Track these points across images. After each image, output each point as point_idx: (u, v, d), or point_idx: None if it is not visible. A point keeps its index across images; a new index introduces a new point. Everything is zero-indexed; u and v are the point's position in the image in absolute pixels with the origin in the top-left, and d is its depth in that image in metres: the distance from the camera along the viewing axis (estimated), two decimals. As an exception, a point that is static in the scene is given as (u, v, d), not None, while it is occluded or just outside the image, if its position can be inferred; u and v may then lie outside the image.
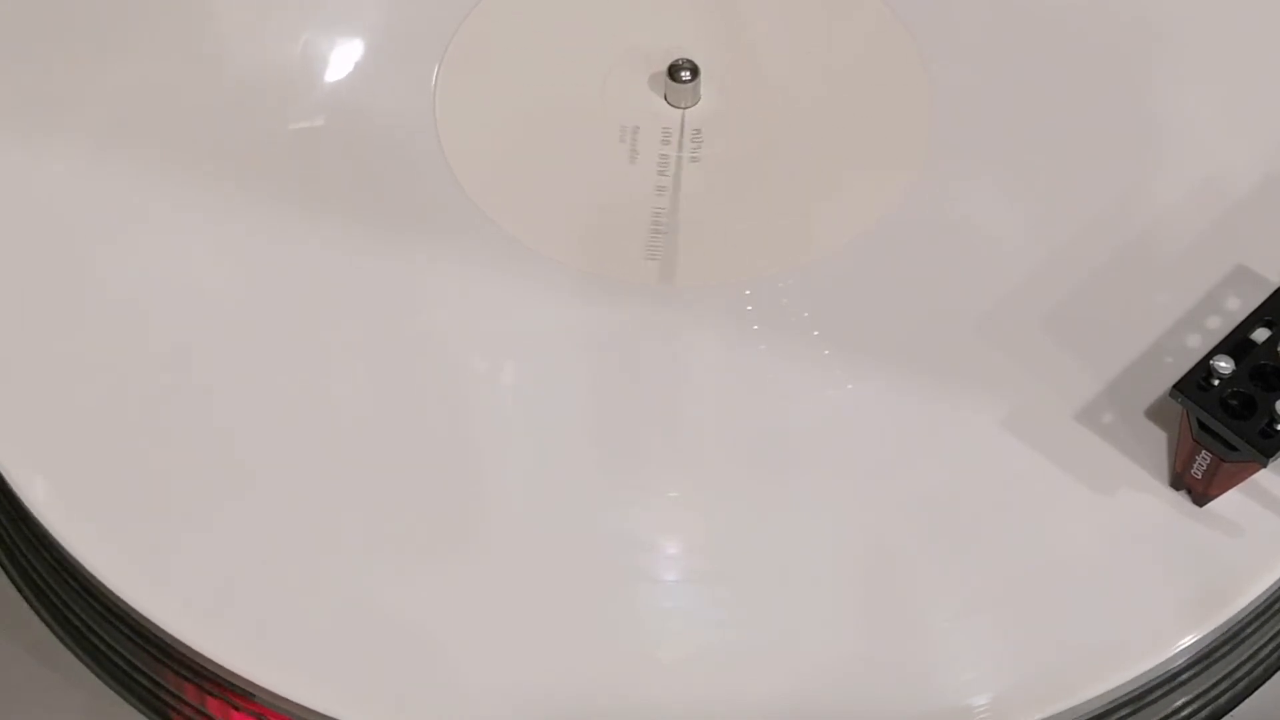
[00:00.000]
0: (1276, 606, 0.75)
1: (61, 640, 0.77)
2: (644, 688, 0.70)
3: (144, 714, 0.76)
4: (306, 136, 0.84)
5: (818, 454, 0.75)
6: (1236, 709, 0.76)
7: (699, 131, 0.83)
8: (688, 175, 0.83)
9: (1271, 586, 0.72)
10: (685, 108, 0.84)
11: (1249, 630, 0.75)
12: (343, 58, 0.87)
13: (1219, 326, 0.76)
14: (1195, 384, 0.71)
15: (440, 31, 0.86)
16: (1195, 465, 0.72)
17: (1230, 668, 0.75)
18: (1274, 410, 0.70)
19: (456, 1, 0.87)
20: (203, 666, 0.72)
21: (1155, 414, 0.75)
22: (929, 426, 0.75)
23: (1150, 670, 0.71)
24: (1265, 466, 0.71)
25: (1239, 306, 0.76)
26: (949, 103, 0.84)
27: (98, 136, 0.82)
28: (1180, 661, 0.72)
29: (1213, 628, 0.71)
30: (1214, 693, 0.75)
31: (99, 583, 0.72)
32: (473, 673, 0.70)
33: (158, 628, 0.71)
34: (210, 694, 0.73)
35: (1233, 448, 0.70)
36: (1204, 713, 0.75)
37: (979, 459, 0.75)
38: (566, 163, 0.83)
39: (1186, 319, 0.77)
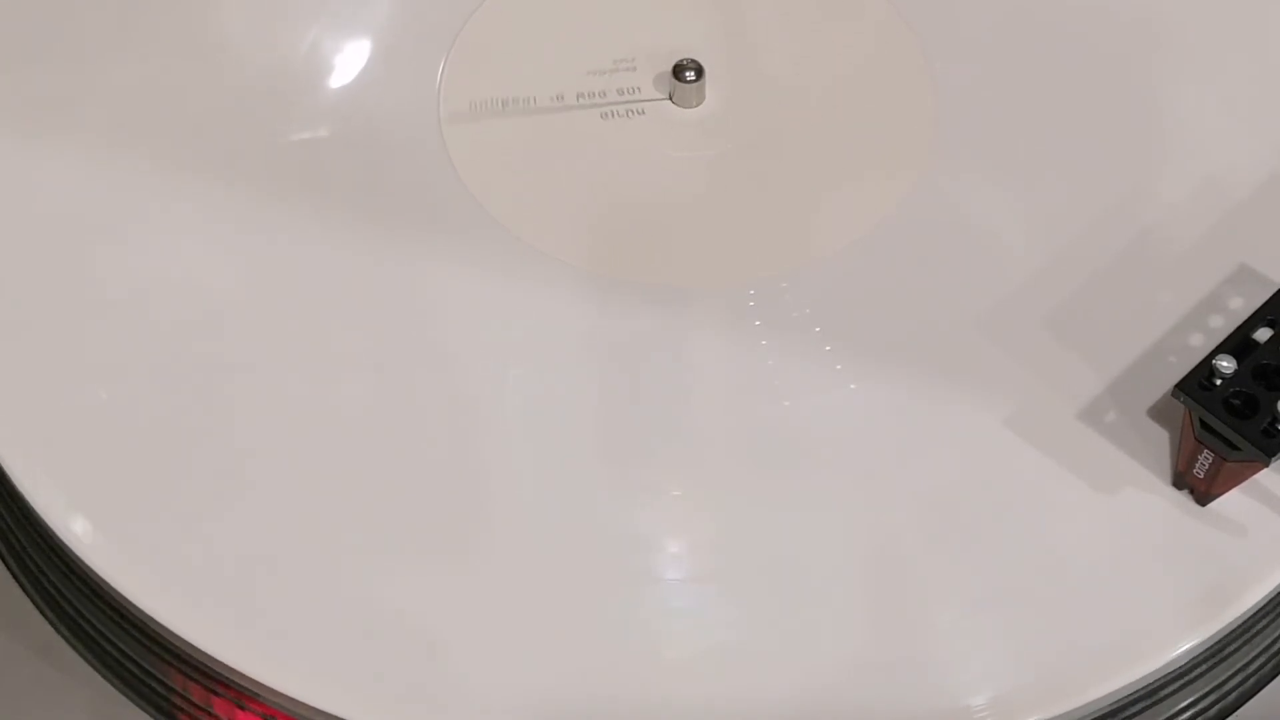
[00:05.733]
0: (1280, 606, 0.76)
1: (67, 641, 0.78)
2: (648, 687, 0.70)
3: (150, 714, 0.76)
4: (310, 138, 0.84)
5: (822, 454, 0.75)
6: (1242, 709, 0.76)
7: (644, 113, 0.84)
8: (691, 175, 0.83)
9: (1276, 587, 0.72)
10: (690, 107, 0.84)
11: (1254, 630, 0.75)
12: (347, 58, 0.87)
13: (1221, 326, 0.76)
14: (1197, 383, 0.71)
15: (444, 32, 0.86)
16: (1198, 465, 0.72)
17: (1235, 667, 0.75)
18: (1276, 410, 0.70)
19: (461, 2, 0.87)
20: (209, 666, 0.72)
21: (1158, 413, 0.75)
22: (932, 426, 0.75)
23: (1154, 671, 0.71)
24: (1268, 466, 0.71)
25: (1241, 306, 0.76)
26: (953, 102, 0.84)
27: (100, 137, 0.82)
28: (1185, 662, 0.72)
29: (1218, 628, 0.71)
30: (1219, 692, 0.75)
31: (104, 583, 0.72)
32: (479, 673, 0.70)
33: (164, 628, 0.71)
34: (216, 694, 0.73)
35: (1235, 447, 0.70)
36: (1209, 712, 0.75)
37: (982, 458, 0.75)
38: (571, 164, 0.83)
39: (1189, 318, 0.77)
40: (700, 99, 0.84)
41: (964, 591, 0.72)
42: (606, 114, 0.84)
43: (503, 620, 0.71)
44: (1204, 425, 0.71)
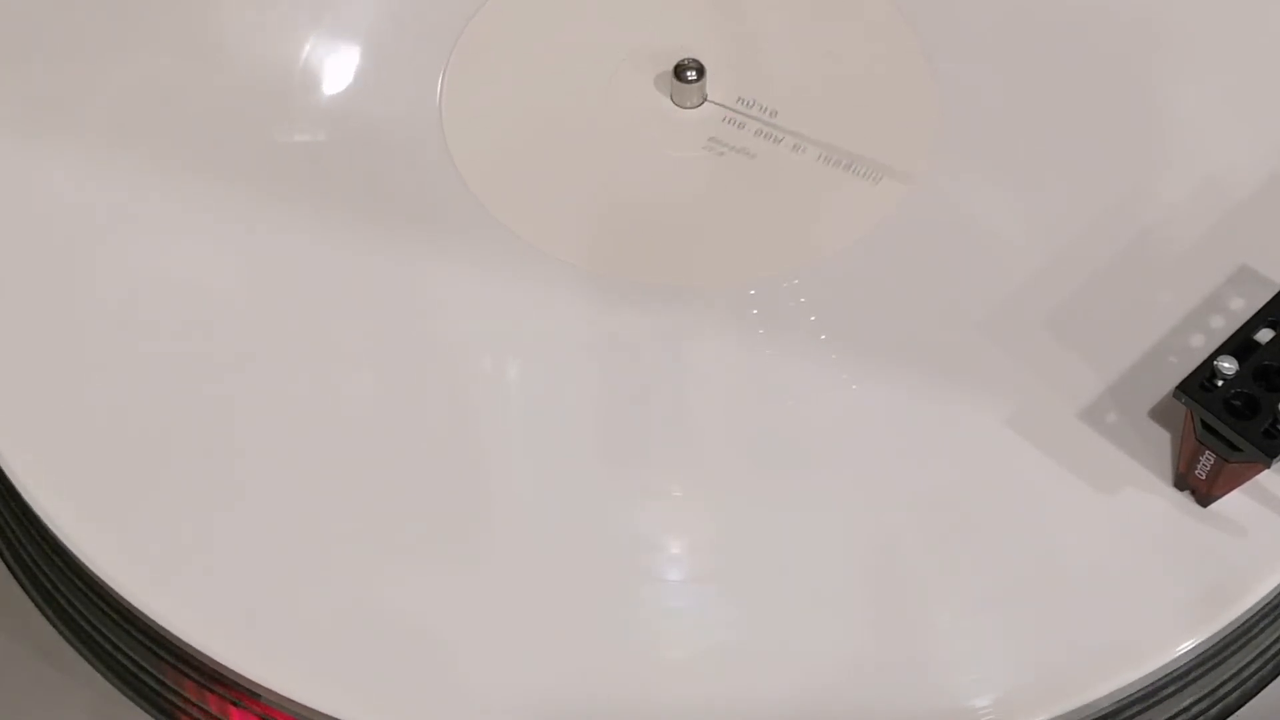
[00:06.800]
0: (1282, 606, 0.75)
1: (68, 641, 0.78)
2: (648, 687, 0.70)
3: (151, 715, 0.76)
4: (311, 138, 0.84)
5: (823, 454, 0.75)
6: (1244, 708, 0.76)
7: (750, 102, 0.84)
8: (691, 175, 0.83)
9: (1276, 587, 0.72)
10: (691, 107, 0.84)
11: (1256, 630, 0.75)
12: (348, 60, 0.87)
13: (1223, 327, 0.76)
14: (1199, 384, 0.71)
15: (445, 33, 0.86)
16: (1199, 465, 0.72)
17: (1237, 667, 0.75)
18: (1277, 411, 0.70)
19: (462, 3, 0.87)
20: (209, 667, 0.72)
21: (1159, 414, 0.75)
22: (933, 426, 0.75)
23: (1156, 670, 0.71)
24: (1269, 467, 0.71)
25: (1243, 307, 0.76)
26: (953, 102, 0.84)
27: (100, 137, 0.82)
28: (1186, 661, 0.72)
29: (1218, 628, 0.71)
30: (1221, 692, 0.75)
31: (104, 583, 0.72)
32: (480, 673, 0.70)
33: (164, 629, 0.71)
34: (217, 694, 0.73)
35: (1236, 448, 0.70)
36: (1212, 712, 0.75)
37: (983, 459, 0.75)
38: (572, 164, 0.83)
39: (1190, 319, 0.77)
40: (701, 99, 0.84)
41: (964, 592, 0.72)
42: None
43: (503, 620, 0.71)
44: (1205, 426, 0.71)
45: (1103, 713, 0.71)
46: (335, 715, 0.70)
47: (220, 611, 0.71)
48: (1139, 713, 0.73)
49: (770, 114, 0.84)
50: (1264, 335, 0.72)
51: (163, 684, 0.75)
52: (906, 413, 0.76)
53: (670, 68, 0.84)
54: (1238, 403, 0.71)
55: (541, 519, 0.73)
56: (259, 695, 0.71)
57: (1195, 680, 0.73)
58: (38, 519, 0.74)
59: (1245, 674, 0.76)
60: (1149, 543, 0.73)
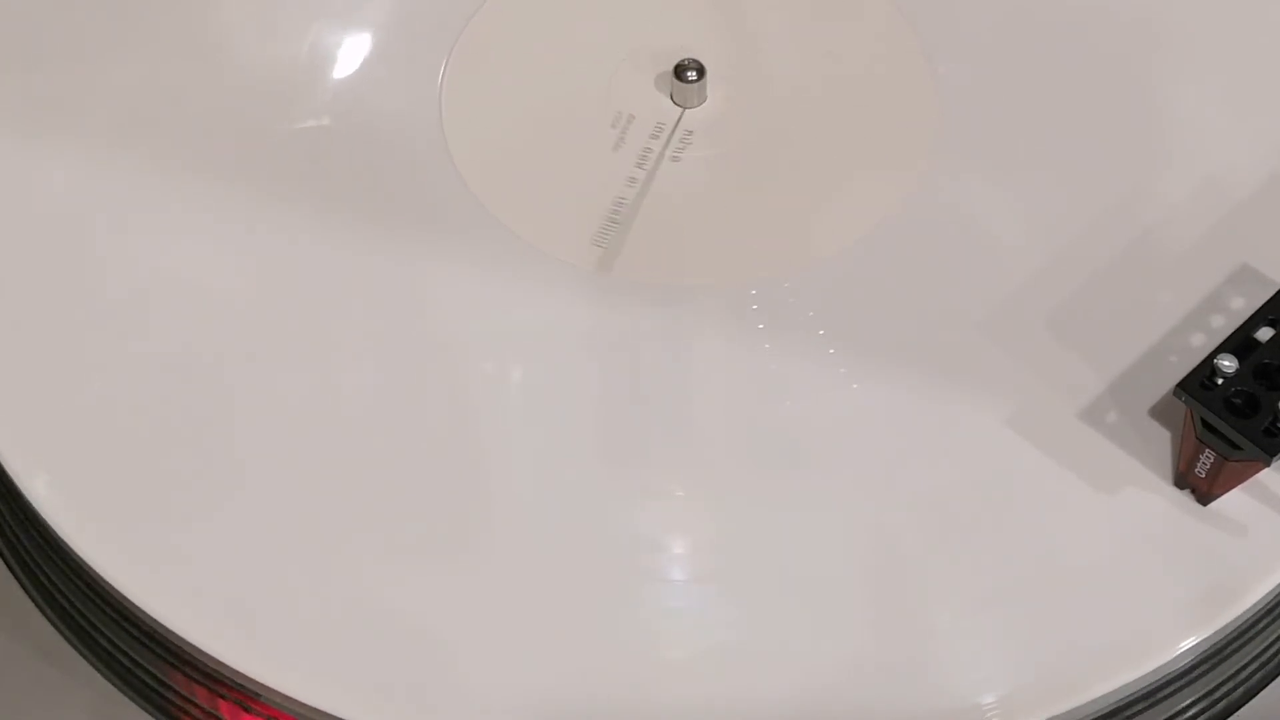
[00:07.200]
0: (1282, 605, 0.75)
1: (68, 640, 0.78)
2: (648, 687, 0.70)
3: (151, 714, 0.76)
4: (312, 137, 0.84)
5: (823, 454, 0.75)
6: (1244, 708, 0.76)
7: (691, 132, 0.83)
8: (692, 175, 0.83)
9: (1276, 586, 0.72)
10: (692, 107, 0.84)
11: (1256, 629, 0.74)
12: (348, 58, 0.87)
13: (1223, 325, 0.76)
14: (1199, 383, 0.71)
15: (445, 32, 0.86)
16: (1199, 464, 0.72)
17: (1238, 666, 0.75)
18: (1278, 409, 0.70)
19: (462, 2, 0.87)
20: (209, 666, 0.72)
21: (1159, 413, 0.75)
22: (934, 426, 0.75)
23: (1156, 670, 0.71)
24: (1269, 465, 0.71)
25: (1243, 305, 0.76)
26: (954, 102, 0.84)
27: (100, 137, 0.82)
28: (1186, 661, 0.72)
29: (1218, 627, 0.71)
30: (1221, 691, 0.75)
31: (105, 583, 0.72)
32: (479, 673, 0.70)
33: (164, 628, 0.71)
34: (217, 694, 0.73)
35: (1236, 447, 0.70)
36: (1211, 711, 0.75)
37: (983, 459, 0.75)
38: (572, 162, 0.83)
39: (1190, 318, 0.77)
40: (701, 99, 0.84)
41: (964, 591, 0.72)
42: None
43: (503, 620, 0.71)
44: (1205, 425, 0.71)
45: (1102, 713, 0.71)
46: (335, 715, 0.70)
47: (220, 611, 0.71)
48: (1139, 713, 0.73)
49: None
50: (1264, 334, 0.72)
51: (163, 683, 0.75)
52: (906, 413, 0.76)
53: (670, 68, 0.84)
54: (1238, 401, 0.71)
55: (541, 519, 0.73)
56: (259, 695, 0.71)
57: (1195, 680, 0.73)
58: (38, 519, 0.74)
59: (1245, 674, 0.76)
60: (1149, 543, 0.73)
